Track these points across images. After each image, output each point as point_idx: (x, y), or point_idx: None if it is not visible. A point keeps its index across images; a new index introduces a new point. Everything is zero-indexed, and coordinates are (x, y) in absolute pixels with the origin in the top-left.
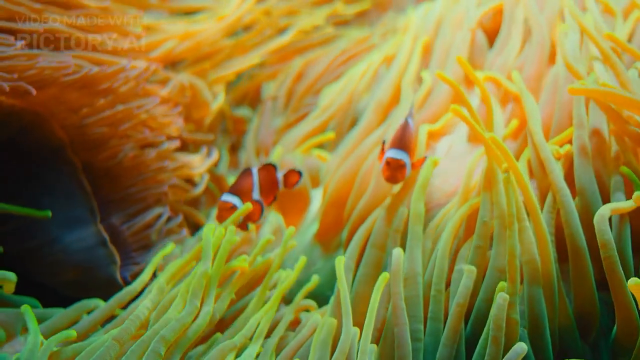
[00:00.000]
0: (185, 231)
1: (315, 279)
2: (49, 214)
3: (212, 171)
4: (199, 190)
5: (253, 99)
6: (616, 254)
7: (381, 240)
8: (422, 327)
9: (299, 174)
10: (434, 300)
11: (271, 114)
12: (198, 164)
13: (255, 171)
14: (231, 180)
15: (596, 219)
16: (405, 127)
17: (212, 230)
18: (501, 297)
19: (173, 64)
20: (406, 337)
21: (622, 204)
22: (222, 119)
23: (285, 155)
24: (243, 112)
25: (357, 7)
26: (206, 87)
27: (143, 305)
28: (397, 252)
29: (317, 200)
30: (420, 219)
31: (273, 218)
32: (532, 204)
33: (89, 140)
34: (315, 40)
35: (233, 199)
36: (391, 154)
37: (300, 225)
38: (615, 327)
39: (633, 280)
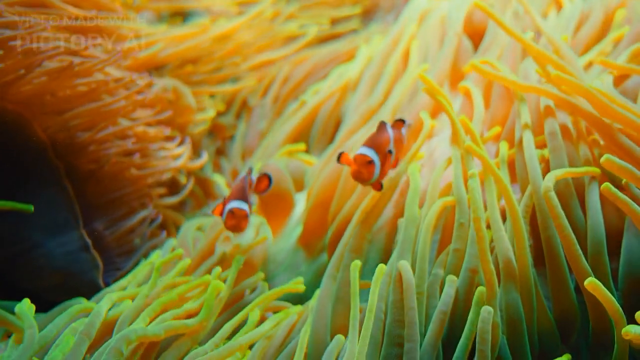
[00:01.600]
0: (164, 233)
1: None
2: (31, 208)
3: (197, 174)
4: (184, 193)
5: (240, 103)
6: (572, 233)
7: (359, 244)
8: (403, 332)
9: (269, 179)
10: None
11: (258, 118)
12: (181, 164)
13: (246, 178)
14: (217, 179)
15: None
16: (380, 130)
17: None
18: (486, 311)
19: (157, 67)
20: (417, 357)
21: (570, 170)
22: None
23: (269, 159)
24: (227, 119)
25: (347, 11)
26: (190, 92)
27: (99, 306)
28: (405, 264)
29: (301, 204)
30: (415, 223)
31: (257, 220)
32: (512, 208)
33: (72, 144)
34: (302, 43)
35: (245, 207)
36: (360, 150)
37: (284, 229)
38: (590, 326)
39: (589, 280)
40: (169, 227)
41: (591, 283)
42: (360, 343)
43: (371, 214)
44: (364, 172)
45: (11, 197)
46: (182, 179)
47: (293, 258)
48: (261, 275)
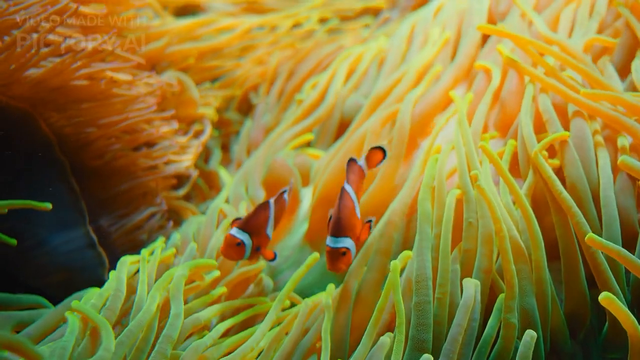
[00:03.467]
0: (170, 223)
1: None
2: (49, 205)
3: (203, 167)
4: (188, 185)
5: (241, 98)
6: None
7: (386, 246)
8: (430, 336)
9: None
10: (439, 303)
11: (262, 113)
12: (188, 157)
13: (272, 204)
14: (223, 173)
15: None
16: (344, 204)
17: None
18: (528, 335)
19: (162, 63)
20: None
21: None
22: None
23: (277, 153)
24: (231, 115)
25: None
26: (194, 84)
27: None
28: (471, 285)
29: (307, 199)
30: (428, 218)
31: None
32: (526, 211)
33: (78, 139)
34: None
35: (242, 236)
36: (330, 242)
37: (291, 225)
38: (606, 325)
39: (604, 295)
40: (176, 218)
41: (606, 298)
42: (396, 347)
43: (396, 215)
44: (342, 267)
45: (17, 193)
46: (190, 169)
47: (299, 254)
48: (262, 265)
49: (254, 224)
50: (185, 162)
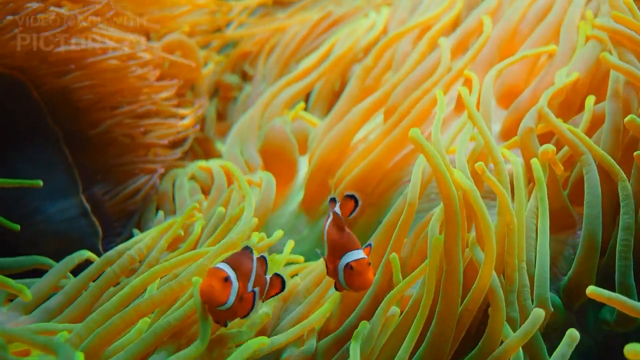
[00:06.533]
0: (158, 181)
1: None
2: (40, 182)
3: (198, 134)
4: (184, 147)
5: (237, 62)
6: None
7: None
8: (448, 347)
9: (282, 281)
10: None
11: (260, 82)
12: (186, 123)
13: (254, 256)
14: (219, 146)
15: None
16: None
17: None
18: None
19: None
20: None
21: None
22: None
23: (273, 119)
24: (232, 79)
25: None
26: (197, 47)
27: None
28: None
29: (304, 167)
30: (457, 208)
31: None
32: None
33: (72, 107)
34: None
35: (230, 273)
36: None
37: (288, 193)
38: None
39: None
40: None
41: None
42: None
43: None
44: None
45: (10, 162)
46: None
47: (295, 222)
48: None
49: (242, 266)
50: (183, 129)
